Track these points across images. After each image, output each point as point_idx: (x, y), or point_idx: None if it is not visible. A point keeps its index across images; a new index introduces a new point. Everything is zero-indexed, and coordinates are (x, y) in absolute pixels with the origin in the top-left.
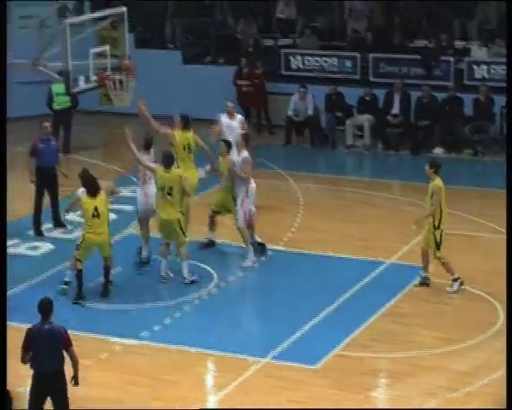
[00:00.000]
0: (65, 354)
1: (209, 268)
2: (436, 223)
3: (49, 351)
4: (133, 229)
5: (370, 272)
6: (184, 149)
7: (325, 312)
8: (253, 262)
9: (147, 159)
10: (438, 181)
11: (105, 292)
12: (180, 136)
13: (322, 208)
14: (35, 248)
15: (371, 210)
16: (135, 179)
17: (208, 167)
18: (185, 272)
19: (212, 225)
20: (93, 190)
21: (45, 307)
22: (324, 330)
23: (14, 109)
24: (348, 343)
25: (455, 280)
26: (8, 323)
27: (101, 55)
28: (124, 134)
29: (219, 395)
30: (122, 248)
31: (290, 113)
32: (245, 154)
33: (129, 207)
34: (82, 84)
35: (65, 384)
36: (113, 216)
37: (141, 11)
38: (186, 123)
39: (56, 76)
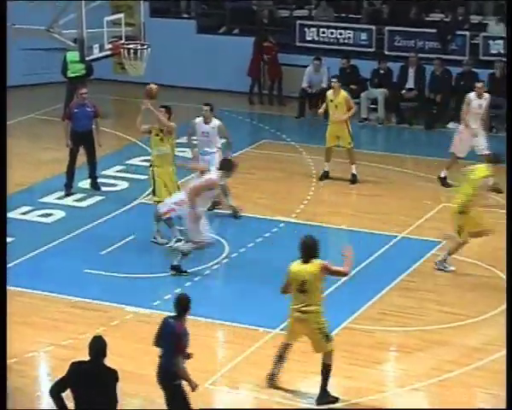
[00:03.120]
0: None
1: (221, 239)
2: None
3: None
4: (145, 198)
5: (382, 246)
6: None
7: (336, 284)
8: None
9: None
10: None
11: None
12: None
13: (335, 181)
14: (47, 215)
15: (384, 184)
16: (146, 148)
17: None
18: None
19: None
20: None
21: (184, 304)
22: (334, 302)
23: (27, 76)
24: (358, 316)
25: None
26: (18, 289)
27: (115, 23)
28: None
29: (228, 366)
30: (134, 216)
31: (304, 85)
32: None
33: (140, 177)
34: (96, 53)
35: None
36: (125, 185)
37: None
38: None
39: (71, 44)
